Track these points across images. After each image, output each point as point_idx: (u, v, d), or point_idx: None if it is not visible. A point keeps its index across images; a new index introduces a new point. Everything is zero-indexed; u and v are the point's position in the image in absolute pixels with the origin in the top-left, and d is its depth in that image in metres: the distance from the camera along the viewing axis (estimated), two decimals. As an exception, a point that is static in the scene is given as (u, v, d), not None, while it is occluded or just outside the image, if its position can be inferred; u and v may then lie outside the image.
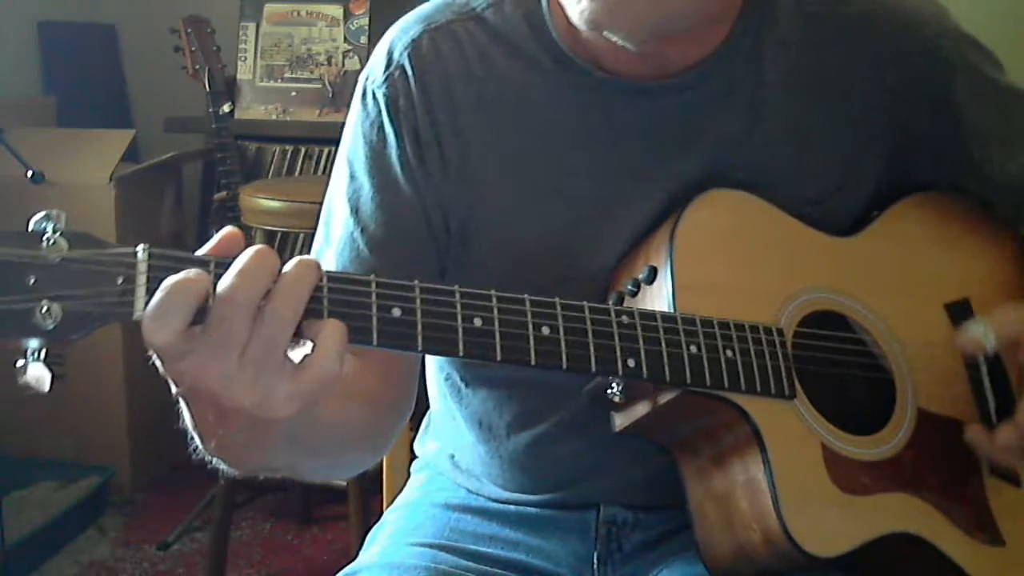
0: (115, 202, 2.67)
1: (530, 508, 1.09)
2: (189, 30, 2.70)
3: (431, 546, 1.06)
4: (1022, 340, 0.97)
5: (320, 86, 3.18)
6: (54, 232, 0.68)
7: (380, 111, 1.01)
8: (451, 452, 1.15)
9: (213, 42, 2.74)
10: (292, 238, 2.75)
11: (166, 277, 0.70)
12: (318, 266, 0.73)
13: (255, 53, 3.22)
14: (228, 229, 0.75)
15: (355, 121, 1.03)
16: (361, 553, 1.10)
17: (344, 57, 3.18)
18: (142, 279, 0.70)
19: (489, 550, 1.07)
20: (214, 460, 0.81)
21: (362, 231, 1.00)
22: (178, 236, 3.06)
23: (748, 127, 0.99)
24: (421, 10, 1.05)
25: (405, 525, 1.11)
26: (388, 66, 1.02)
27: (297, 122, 3.15)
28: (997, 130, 1.04)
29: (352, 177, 1.02)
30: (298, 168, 3.12)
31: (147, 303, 0.69)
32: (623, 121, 0.99)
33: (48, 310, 0.67)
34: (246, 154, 3.09)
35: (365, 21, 3.18)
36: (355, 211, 1.01)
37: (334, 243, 1.02)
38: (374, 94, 1.02)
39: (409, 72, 1.00)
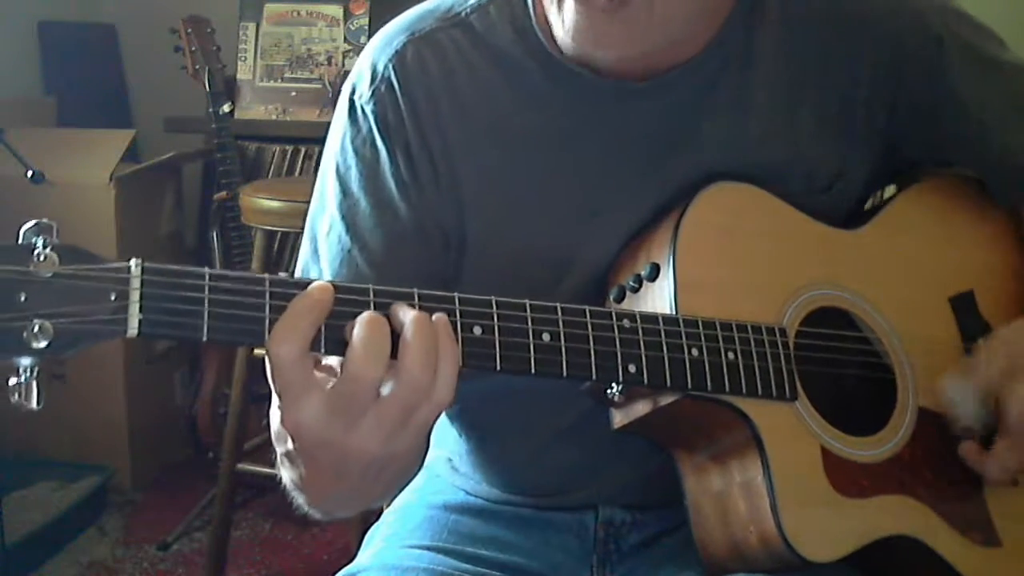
0: (115, 202, 2.67)
1: (528, 510, 1.09)
2: (189, 30, 2.70)
3: (429, 548, 1.06)
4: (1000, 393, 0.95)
5: (320, 86, 3.18)
6: (45, 246, 0.67)
7: (371, 127, 0.99)
8: (449, 457, 1.15)
9: (213, 42, 2.74)
10: (292, 238, 2.75)
11: (160, 292, 0.69)
12: (443, 321, 0.75)
13: (255, 53, 3.21)
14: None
15: (343, 135, 1.01)
16: (359, 555, 1.10)
17: (344, 57, 3.18)
18: (135, 295, 0.69)
19: (487, 552, 1.06)
20: (312, 512, 0.86)
21: (361, 248, 0.98)
22: (178, 236, 3.06)
23: (741, 121, 0.99)
24: (404, 18, 1.03)
25: (403, 527, 1.11)
26: (374, 79, 1.00)
27: (297, 122, 3.15)
28: (995, 105, 1.03)
29: (346, 193, 1.00)
30: (298, 168, 3.12)
31: (140, 320, 0.69)
32: (612, 123, 0.99)
33: (39, 328, 0.66)
34: (246, 154, 3.08)
35: (365, 21, 3.17)
36: (351, 227, 0.99)
37: (326, 258, 1.00)
38: (363, 109, 1.00)
39: (396, 85, 0.99)
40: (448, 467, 1.15)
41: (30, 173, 2.13)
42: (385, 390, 0.74)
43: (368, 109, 1.00)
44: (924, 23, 1.02)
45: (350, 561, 1.07)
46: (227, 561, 2.35)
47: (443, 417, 1.13)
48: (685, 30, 0.94)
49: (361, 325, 0.73)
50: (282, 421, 0.76)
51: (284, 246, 2.72)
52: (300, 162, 3.12)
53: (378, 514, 1.19)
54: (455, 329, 0.77)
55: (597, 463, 1.04)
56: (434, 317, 0.75)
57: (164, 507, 2.72)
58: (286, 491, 0.90)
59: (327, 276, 0.99)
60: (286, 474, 0.85)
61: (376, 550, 1.08)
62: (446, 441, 1.14)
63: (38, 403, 0.68)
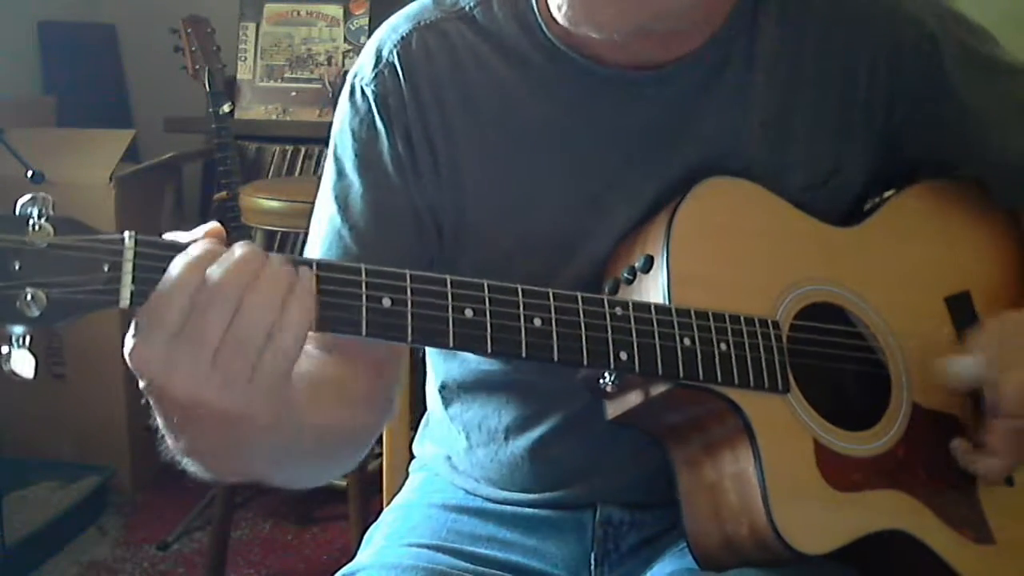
0: (115, 202, 2.67)
1: (527, 509, 1.09)
2: (189, 30, 2.70)
3: (428, 547, 1.06)
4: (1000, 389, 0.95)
5: (320, 86, 3.18)
6: (40, 217, 0.68)
7: (370, 108, 1.00)
8: (448, 455, 1.15)
9: (213, 42, 2.73)
10: (292, 238, 2.75)
11: (153, 264, 0.70)
12: (293, 270, 0.73)
13: (255, 53, 3.22)
14: (212, 225, 0.74)
15: (344, 118, 1.03)
16: (358, 554, 1.10)
17: (344, 57, 3.18)
18: (128, 266, 0.69)
19: (486, 551, 1.06)
20: (185, 463, 0.79)
21: (350, 228, 1.00)
22: (178, 236, 3.06)
23: (738, 118, 1.00)
24: (409, 9, 1.04)
25: (402, 526, 1.11)
26: (377, 63, 1.01)
27: (297, 122, 3.16)
28: (993, 106, 1.03)
29: (340, 174, 1.02)
30: (298, 168, 3.12)
31: (132, 291, 0.69)
32: (615, 115, 0.99)
33: (32, 297, 0.67)
34: (246, 154, 3.09)
35: (365, 21, 3.18)
36: (343, 208, 1.00)
37: (320, 238, 1.01)
38: (363, 91, 1.01)
39: (399, 70, 1.00)
40: (448, 466, 1.15)
41: (30, 173, 2.12)
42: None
43: (369, 91, 1.01)
44: (921, 25, 1.02)
45: (350, 561, 1.07)
46: (227, 561, 2.35)
47: (443, 415, 1.13)
48: (681, 18, 0.94)
49: (238, 246, 0.72)
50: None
51: (284, 246, 2.72)
52: (300, 162, 3.13)
53: (378, 513, 1.19)
54: (446, 310, 0.78)
55: (596, 459, 1.04)
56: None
57: (164, 507, 2.72)
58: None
59: (319, 256, 1.00)
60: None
61: (376, 549, 1.08)
62: (446, 439, 1.15)
63: (33, 373, 0.68)
